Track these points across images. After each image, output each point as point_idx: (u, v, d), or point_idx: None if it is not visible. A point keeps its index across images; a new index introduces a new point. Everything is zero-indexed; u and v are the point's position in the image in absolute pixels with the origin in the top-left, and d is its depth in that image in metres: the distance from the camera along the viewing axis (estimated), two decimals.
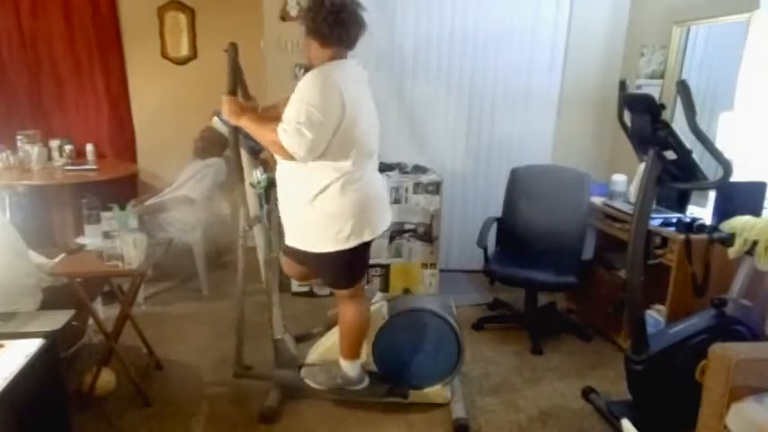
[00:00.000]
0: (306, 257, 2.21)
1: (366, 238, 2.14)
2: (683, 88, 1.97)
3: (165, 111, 4.42)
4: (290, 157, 1.99)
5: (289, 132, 1.93)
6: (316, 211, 2.08)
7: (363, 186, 2.10)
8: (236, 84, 2.13)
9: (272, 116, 2.06)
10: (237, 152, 2.24)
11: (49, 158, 4.15)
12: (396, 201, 3.51)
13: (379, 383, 2.44)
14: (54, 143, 4.20)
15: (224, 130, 3.27)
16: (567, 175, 3.40)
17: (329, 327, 2.58)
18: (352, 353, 2.33)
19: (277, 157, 2.09)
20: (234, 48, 2.07)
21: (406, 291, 3.68)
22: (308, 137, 1.91)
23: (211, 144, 3.72)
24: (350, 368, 2.34)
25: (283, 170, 2.14)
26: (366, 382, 2.41)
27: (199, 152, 3.85)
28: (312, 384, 2.40)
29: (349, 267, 2.20)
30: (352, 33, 2.04)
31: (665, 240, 2.75)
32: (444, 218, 3.83)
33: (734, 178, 2.03)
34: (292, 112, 1.94)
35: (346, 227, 2.07)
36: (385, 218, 2.25)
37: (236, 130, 2.18)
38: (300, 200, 2.11)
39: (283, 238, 2.26)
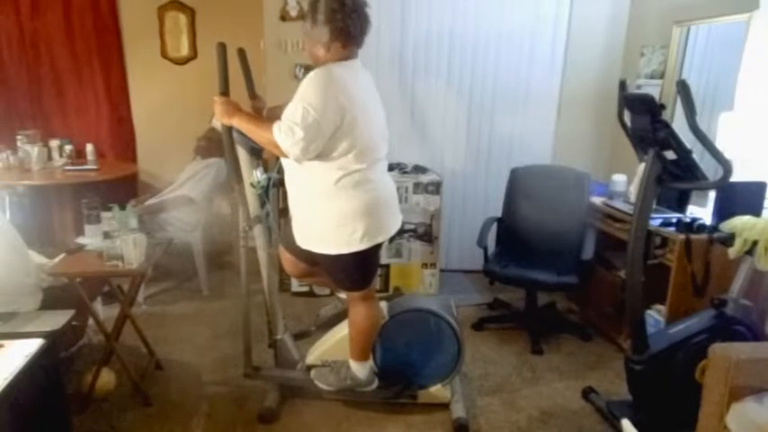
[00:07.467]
0: (318, 259, 2.20)
1: (379, 240, 2.13)
2: (683, 88, 1.97)
3: (165, 111, 4.43)
4: (286, 156, 1.99)
5: (283, 131, 1.92)
6: (328, 211, 2.07)
7: (375, 187, 2.10)
8: (227, 83, 2.12)
9: (277, 116, 2.03)
10: (233, 153, 2.23)
11: (49, 158, 4.14)
12: None
13: (388, 384, 2.44)
14: (54, 143, 4.20)
15: None
16: (567, 175, 3.40)
17: (320, 327, 2.58)
18: (362, 354, 2.33)
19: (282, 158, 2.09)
20: (223, 48, 2.06)
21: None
22: (300, 136, 1.90)
23: (215, 143, 3.71)
24: (360, 369, 2.34)
25: (290, 171, 2.14)
26: (375, 383, 2.41)
27: (202, 150, 3.86)
28: (321, 386, 2.40)
29: (362, 269, 2.19)
30: (364, 30, 2.02)
31: (665, 240, 2.76)
32: (444, 218, 3.83)
33: (734, 178, 2.02)
34: (290, 111, 1.93)
35: (359, 228, 2.06)
36: (396, 219, 2.25)
37: (230, 131, 2.17)
38: (310, 200, 2.11)
39: (283, 237, 2.25)
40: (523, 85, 3.95)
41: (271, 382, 2.59)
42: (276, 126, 1.94)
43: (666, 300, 2.67)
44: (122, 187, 4.12)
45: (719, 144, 2.51)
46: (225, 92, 2.12)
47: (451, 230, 4.14)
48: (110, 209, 2.59)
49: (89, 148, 4.18)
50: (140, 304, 3.46)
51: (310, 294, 3.71)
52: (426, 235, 3.70)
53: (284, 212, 2.28)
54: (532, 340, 3.14)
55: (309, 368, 2.47)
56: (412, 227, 3.67)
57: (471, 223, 3.88)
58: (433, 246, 3.73)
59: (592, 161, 3.88)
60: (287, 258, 2.44)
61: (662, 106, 2.12)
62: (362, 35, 2.03)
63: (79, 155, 4.24)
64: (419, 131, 4.05)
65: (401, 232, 3.61)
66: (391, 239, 3.58)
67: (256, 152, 2.27)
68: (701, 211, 2.85)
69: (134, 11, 4.34)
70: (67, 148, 4.20)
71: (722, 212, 2.48)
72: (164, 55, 4.44)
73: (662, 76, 3.44)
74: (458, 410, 2.44)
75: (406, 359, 2.47)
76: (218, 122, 2.17)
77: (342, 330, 2.43)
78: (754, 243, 2.16)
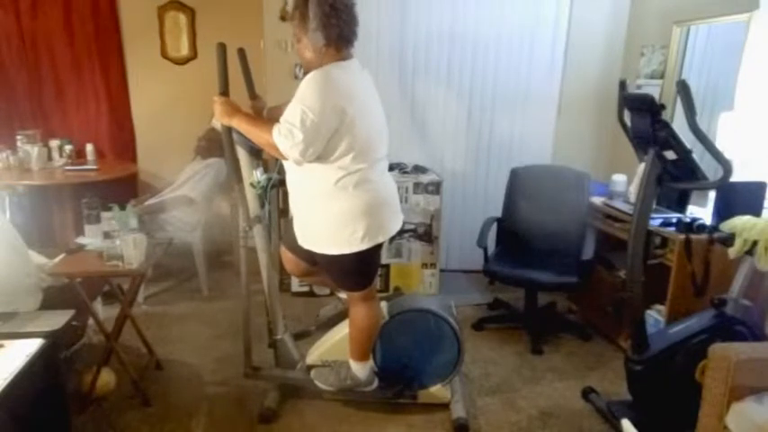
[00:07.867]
0: (318, 258, 2.20)
1: (380, 240, 2.12)
2: (683, 88, 1.97)
3: (165, 111, 4.42)
4: (285, 158, 1.99)
5: (282, 133, 1.92)
6: (328, 211, 2.07)
7: (375, 187, 2.09)
8: (227, 84, 2.12)
9: (276, 117, 2.02)
10: (233, 153, 2.23)
11: (49, 158, 4.14)
12: None
13: (388, 385, 2.44)
14: (54, 143, 4.19)
15: None
16: (566, 175, 3.40)
17: (320, 327, 2.59)
18: (363, 354, 2.33)
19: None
20: (223, 48, 2.06)
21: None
22: (298, 138, 1.89)
23: (215, 143, 3.71)
24: (360, 370, 2.34)
25: (290, 170, 2.14)
26: (375, 383, 2.41)
27: (202, 151, 3.86)
28: (322, 386, 2.40)
29: (362, 269, 2.19)
30: (355, 29, 2.01)
31: (665, 240, 2.75)
32: (444, 218, 3.83)
33: (734, 178, 2.03)
34: (288, 114, 1.93)
35: (360, 228, 2.06)
36: (397, 219, 2.25)
37: (230, 131, 2.17)
38: (310, 200, 2.11)
39: (284, 236, 2.25)
40: (523, 86, 3.95)
41: (271, 382, 2.59)
42: (276, 129, 1.94)
43: (666, 300, 2.67)
44: (122, 187, 4.12)
45: (719, 144, 2.51)
46: (225, 92, 2.12)
47: (451, 230, 4.13)
48: (110, 209, 2.59)
49: (89, 148, 4.18)
50: (140, 304, 3.46)
51: (310, 294, 3.70)
52: (426, 235, 3.70)
53: (284, 212, 2.27)
54: (532, 340, 3.14)
55: (309, 368, 2.47)
56: (412, 227, 3.67)
57: (471, 223, 3.88)
58: (433, 246, 3.73)
59: (592, 161, 3.88)
60: (288, 258, 2.44)
61: (662, 106, 2.12)
62: (355, 35, 2.03)
63: (79, 155, 4.24)
64: (419, 131, 4.05)
65: (401, 232, 3.60)
66: (391, 239, 3.59)
67: (256, 152, 2.27)
68: (701, 211, 2.85)
69: (134, 11, 4.34)
70: (67, 148, 4.20)
71: (722, 212, 2.48)
72: (164, 55, 4.44)
73: (662, 76, 3.44)
74: (458, 410, 2.44)
75: (406, 359, 2.47)
76: (217, 122, 2.17)
77: (342, 330, 2.43)
78: (754, 243, 2.16)
